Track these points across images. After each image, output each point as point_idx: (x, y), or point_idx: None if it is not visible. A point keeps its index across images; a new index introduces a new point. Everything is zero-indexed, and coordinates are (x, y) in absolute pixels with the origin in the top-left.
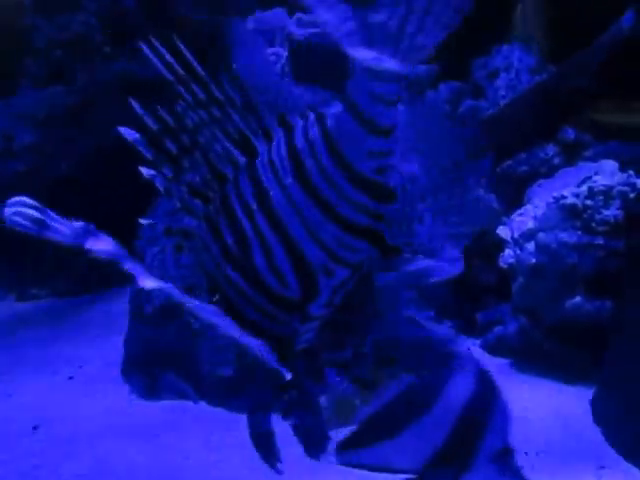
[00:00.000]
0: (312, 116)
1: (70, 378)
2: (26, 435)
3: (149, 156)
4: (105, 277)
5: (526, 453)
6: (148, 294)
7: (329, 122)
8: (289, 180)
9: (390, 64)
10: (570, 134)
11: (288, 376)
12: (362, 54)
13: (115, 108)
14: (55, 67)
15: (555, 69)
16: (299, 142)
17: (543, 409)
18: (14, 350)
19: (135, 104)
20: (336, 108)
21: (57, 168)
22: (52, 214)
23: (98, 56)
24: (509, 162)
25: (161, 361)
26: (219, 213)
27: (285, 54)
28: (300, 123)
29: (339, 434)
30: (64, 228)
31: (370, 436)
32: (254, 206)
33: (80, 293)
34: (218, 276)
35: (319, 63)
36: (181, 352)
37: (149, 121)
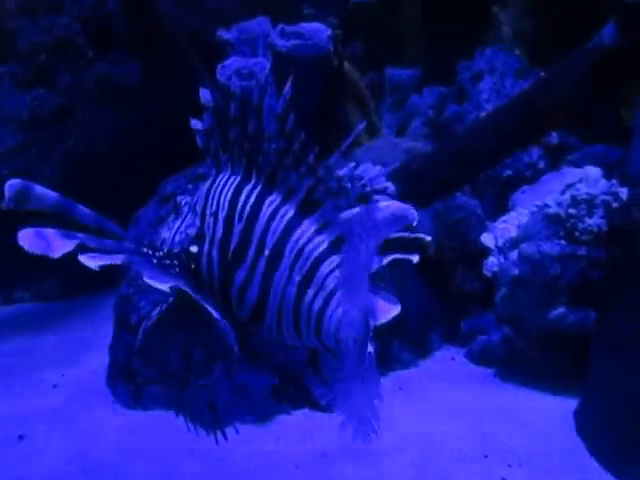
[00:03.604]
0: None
1: (54, 386)
2: (12, 444)
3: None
4: (90, 281)
5: (509, 465)
6: (133, 303)
7: None
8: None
9: None
10: (554, 138)
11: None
12: None
13: (98, 110)
14: (39, 70)
15: (537, 78)
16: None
17: (526, 419)
18: None
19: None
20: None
21: (41, 170)
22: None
23: (81, 59)
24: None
25: (146, 370)
26: None
27: (268, 65)
28: None
29: None
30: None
31: None
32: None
33: (65, 297)
34: None
35: (302, 74)
36: (166, 360)
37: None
